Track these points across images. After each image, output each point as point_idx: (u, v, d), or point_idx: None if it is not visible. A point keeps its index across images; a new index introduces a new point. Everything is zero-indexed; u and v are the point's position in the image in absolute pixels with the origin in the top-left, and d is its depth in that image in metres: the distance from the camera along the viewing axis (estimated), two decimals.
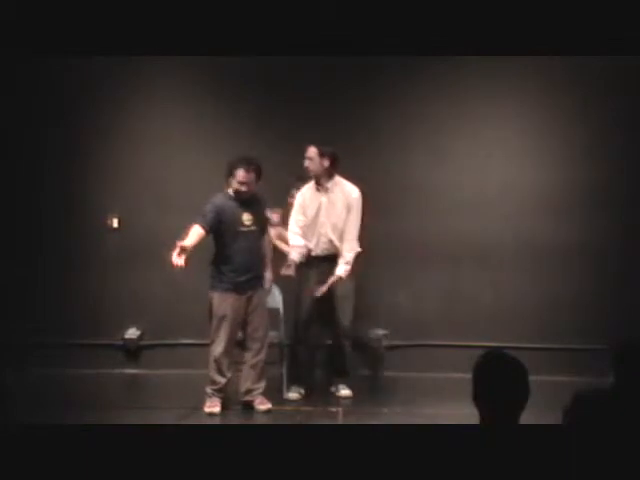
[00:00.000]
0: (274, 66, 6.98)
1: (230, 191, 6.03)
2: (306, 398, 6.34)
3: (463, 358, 5.14)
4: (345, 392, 6.44)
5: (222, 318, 5.98)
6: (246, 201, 6.00)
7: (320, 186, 6.28)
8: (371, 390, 6.83)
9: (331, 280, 6.22)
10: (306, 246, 6.31)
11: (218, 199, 6.03)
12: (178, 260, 5.63)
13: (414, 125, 7.21)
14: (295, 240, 6.33)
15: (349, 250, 6.26)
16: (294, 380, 6.40)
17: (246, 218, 6.01)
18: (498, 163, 7.19)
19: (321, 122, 7.09)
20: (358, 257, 6.34)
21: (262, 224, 6.12)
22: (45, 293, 7.26)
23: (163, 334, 7.26)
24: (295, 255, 6.26)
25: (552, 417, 3.20)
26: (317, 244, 6.32)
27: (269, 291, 6.25)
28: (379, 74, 7.10)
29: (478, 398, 2.81)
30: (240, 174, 5.92)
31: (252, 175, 5.93)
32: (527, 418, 2.79)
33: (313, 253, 6.33)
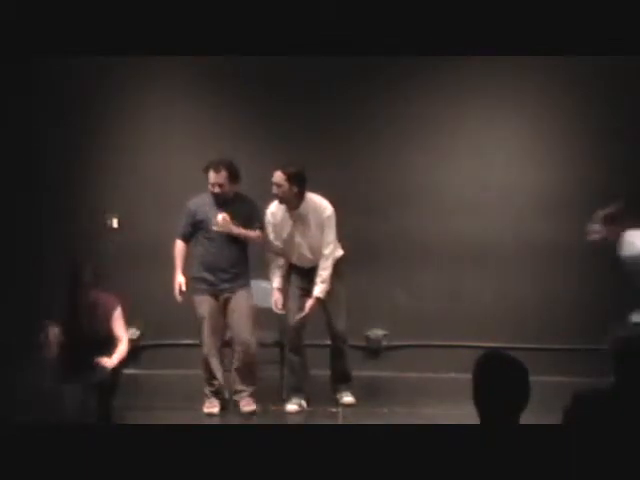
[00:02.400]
0: (274, 66, 6.97)
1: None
2: (306, 407, 6.23)
3: (463, 358, 5.14)
4: (348, 399, 6.32)
5: (200, 320, 6.07)
6: (225, 202, 6.02)
7: (291, 210, 6.11)
8: (371, 390, 6.82)
9: (309, 305, 6.10)
10: (285, 265, 6.26)
11: (193, 200, 6.14)
12: (181, 297, 6.10)
13: (414, 125, 7.20)
14: (274, 282, 6.26)
15: (324, 268, 6.09)
16: (294, 391, 6.22)
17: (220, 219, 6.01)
18: (498, 163, 7.18)
19: (321, 122, 7.09)
20: (348, 260, 6.28)
21: (244, 225, 6.05)
22: (45, 293, 7.24)
23: (163, 334, 7.25)
24: (277, 282, 6.24)
25: (552, 417, 3.20)
26: (299, 260, 6.22)
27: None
28: (379, 74, 7.09)
29: (478, 398, 2.81)
30: (210, 176, 5.98)
31: (222, 176, 5.96)
32: (527, 418, 2.79)
33: (296, 264, 6.26)
